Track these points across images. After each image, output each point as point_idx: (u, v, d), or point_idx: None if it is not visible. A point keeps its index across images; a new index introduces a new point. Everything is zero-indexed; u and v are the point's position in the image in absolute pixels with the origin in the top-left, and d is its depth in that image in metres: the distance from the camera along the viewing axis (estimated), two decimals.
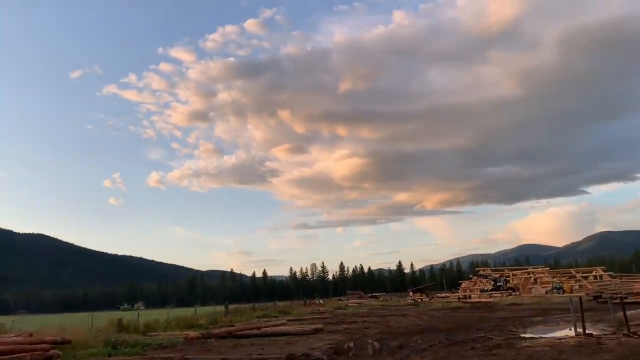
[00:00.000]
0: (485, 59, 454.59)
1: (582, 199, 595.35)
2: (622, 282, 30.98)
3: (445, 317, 25.16)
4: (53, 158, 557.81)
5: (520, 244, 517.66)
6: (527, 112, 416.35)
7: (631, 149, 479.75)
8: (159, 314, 33.73)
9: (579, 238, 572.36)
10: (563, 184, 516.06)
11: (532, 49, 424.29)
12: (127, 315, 30.17)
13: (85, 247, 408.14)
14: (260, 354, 12.43)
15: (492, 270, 77.04)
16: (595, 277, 60.95)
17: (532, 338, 11.87)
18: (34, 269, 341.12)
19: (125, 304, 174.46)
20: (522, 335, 14.14)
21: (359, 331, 18.22)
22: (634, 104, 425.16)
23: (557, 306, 31.29)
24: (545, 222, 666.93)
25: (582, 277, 60.74)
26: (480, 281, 73.66)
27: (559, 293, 52.76)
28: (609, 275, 61.08)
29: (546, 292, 55.36)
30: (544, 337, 11.62)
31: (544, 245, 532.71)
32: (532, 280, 62.99)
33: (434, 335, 15.01)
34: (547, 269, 70.85)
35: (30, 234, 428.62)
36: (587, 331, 12.18)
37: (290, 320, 27.86)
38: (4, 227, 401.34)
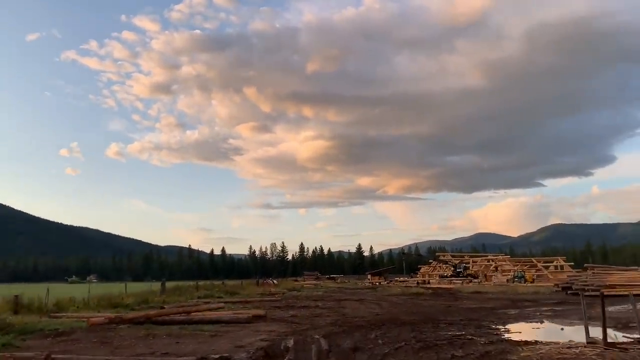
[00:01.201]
0: (452, 48, 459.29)
1: (538, 191, 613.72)
2: (594, 273, 29.16)
3: (407, 305, 22.48)
4: (7, 123, 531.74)
5: (477, 232, 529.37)
6: (490, 103, 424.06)
7: (588, 145, 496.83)
8: (110, 288, 30.06)
9: (533, 229, 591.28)
10: (521, 175, 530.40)
11: (499, 41, 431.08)
12: (73, 290, 26.40)
13: (39, 216, 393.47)
14: (165, 353, 9.16)
15: (452, 256, 75.84)
16: (556, 267, 60.31)
17: (528, 344, 9.02)
18: None
19: (74, 277, 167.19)
20: (506, 335, 11.37)
21: (306, 320, 15.18)
22: (594, 101, 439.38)
23: (524, 296, 29.28)
24: (502, 212, 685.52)
25: (543, 266, 59.93)
26: (440, 266, 72.42)
27: (520, 282, 51.53)
28: (569, 265, 60.56)
29: (507, 280, 54.10)
30: (544, 344, 8.75)
31: (500, 235, 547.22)
32: (492, 267, 61.86)
33: (397, 331, 12.10)
34: (508, 257, 70.05)
35: None
36: (591, 335, 9.42)
37: (234, 303, 24.63)
38: None
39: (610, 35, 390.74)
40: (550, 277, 56.33)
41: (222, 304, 19.04)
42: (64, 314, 16.96)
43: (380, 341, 10.20)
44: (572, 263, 63.09)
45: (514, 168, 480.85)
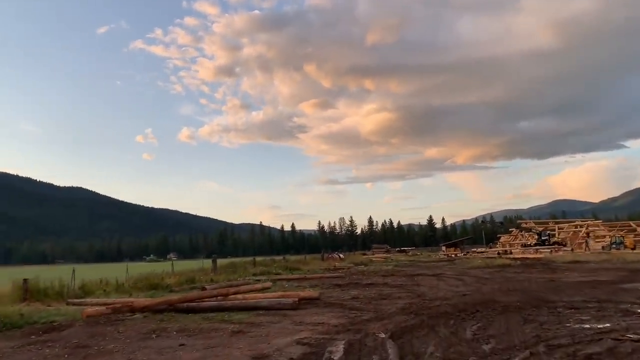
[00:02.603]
0: (518, 7, 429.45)
1: (620, 153, 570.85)
2: None
3: (498, 280, 18.25)
4: (85, 114, 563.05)
5: (554, 199, 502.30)
6: (562, 64, 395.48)
7: None
8: (185, 265, 28.54)
9: (617, 194, 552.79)
10: (600, 138, 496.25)
11: None
12: (154, 267, 25.05)
13: (122, 199, 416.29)
14: None
15: (534, 224, 69.16)
16: None
17: None
18: (72, 221, 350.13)
19: (152, 255, 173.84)
20: None
21: (370, 305, 11.53)
22: None
23: (632, 265, 24.07)
24: (581, 178, 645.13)
25: None
26: (522, 235, 66.22)
27: (619, 249, 45.14)
28: None
29: (602, 247, 47.73)
30: None
31: (580, 201, 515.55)
32: (583, 234, 55.17)
33: (501, 322, 8.19)
34: (600, 221, 62.61)
35: (69, 187, 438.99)
36: None
37: (289, 280, 21.54)
38: (44, 181, 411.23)
39: None
40: None
41: (269, 284, 15.78)
42: (87, 300, 14.44)
43: (484, 345, 6.35)
44: None
45: (591, 131, 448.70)
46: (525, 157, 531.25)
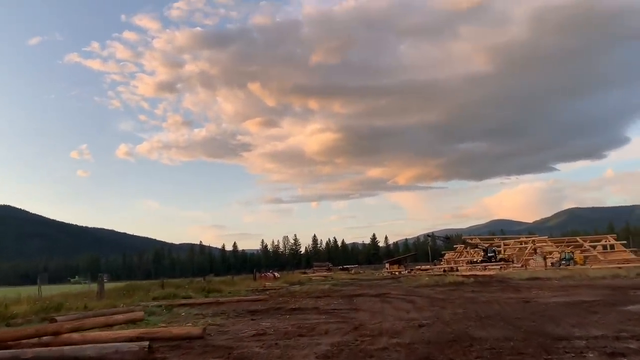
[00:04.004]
0: (456, 34, 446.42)
1: (552, 175, 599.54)
2: None
3: (457, 302, 14.26)
4: (16, 128, 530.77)
5: (491, 219, 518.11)
6: (497, 88, 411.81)
7: (600, 127, 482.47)
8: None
9: (549, 214, 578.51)
10: (533, 160, 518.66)
11: (503, 26, 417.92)
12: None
13: (53, 218, 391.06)
14: None
15: (480, 239, 67.16)
16: (604, 247, 51.58)
17: None
18: None
19: (77, 277, 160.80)
20: None
21: (274, 351, 7.03)
22: (604, 82, 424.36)
23: (613, 282, 21.02)
24: (516, 198, 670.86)
25: (590, 246, 51.20)
26: (468, 251, 63.80)
27: (568, 264, 43.04)
28: (621, 244, 51.80)
29: (552, 264, 45.59)
30: None
31: (515, 221, 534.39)
32: (530, 250, 53.14)
33: None
34: (546, 237, 61.25)
35: None
36: None
37: (194, 306, 16.70)
38: None
39: (615, 15, 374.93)
40: (601, 258, 47.73)
41: (140, 314, 10.94)
42: None
43: None
44: (625, 242, 54.07)
45: (525, 153, 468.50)
46: (463, 178, 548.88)
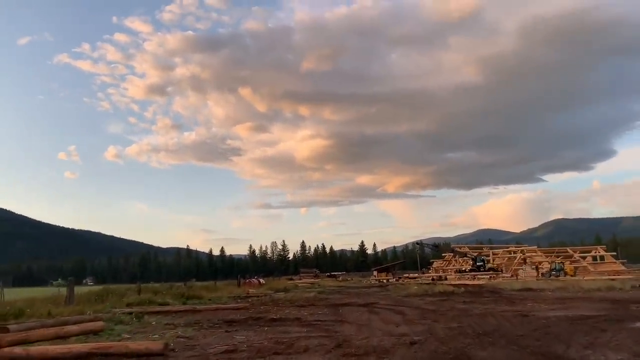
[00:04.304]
0: (446, 44, 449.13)
1: (539, 186, 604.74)
2: None
3: (449, 314, 13.29)
4: (3, 128, 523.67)
5: (479, 228, 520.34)
6: (486, 99, 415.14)
7: (587, 140, 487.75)
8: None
9: (536, 224, 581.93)
10: (520, 171, 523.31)
11: (493, 37, 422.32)
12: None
13: (41, 220, 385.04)
14: None
15: (468, 248, 66.43)
16: (594, 258, 51.09)
17: None
18: None
19: (60, 279, 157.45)
20: None
21: None
22: (592, 95, 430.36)
23: (611, 295, 20.18)
24: (504, 208, 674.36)
25: (580, 257, 50.64)
26: (456, 260, 63.10)
27: (558, 275, 42.38)
28: (611, 255, 51.34)
29: (542, 274, 44.92)
30: None
31: (502, 231, 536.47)
32: (519, 260, 52.48)
33: None
34: (535, 247, 60.64)
35: None
36: None
37: (171, 313, 15.58)
38: None
39: (604, 28, 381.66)
40: (591, 269, 47.18)
41: (100, 324, 9.84)
42: None
43: None
44: (614, 253, 53.57)
45: (513, 164, 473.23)
46: (451, 187, 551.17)
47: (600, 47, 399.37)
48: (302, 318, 13.32)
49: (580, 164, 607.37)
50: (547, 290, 23.88)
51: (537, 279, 36.47)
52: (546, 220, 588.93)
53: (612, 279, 30.80)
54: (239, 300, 22.21)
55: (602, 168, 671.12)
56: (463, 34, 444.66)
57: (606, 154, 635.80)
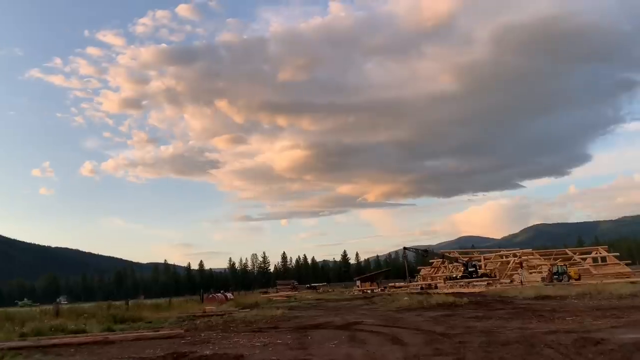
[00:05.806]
0: (421, 53, 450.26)
1: (518, 192, 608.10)
2: None
3: (470, 342, 8.66)
4: None
5: (460, 235, 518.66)
6: (462, 107, 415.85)
7: (563, 145, 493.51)
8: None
9: (516, 230, 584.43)
10: (498, 177, 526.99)
11: (467, 45, 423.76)
12: None
13: (14, 238, 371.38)
14: None
15: (459, 254, 62.20)
16: (595, 259, 47.22)
17: None
18: None
19: (26, 299, 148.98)
20: None
21: None
22: (566, 101, 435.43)
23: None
24: (484, 215, 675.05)
25: (580, 258, 46.72)
26: (446, 267, 58.77)
27: (561, 280, 38.26)
28: (613, 256, 47.52)
29: (542, 279, 40.79)
30: None
31: (483, 237, 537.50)
32: (515, 263, 48.31)
33: None
34: (531, 250, 56.59)
35: None
36: None
37: (65, 347, 10.61)
38: None
39: (577, 35, 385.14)
40: (594, 272, 43.21)
41: None
42: None
43: None
44: (617, 254, 49.66)
45: (491, 170, 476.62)
46: (431, 195, 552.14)
47: (574, 53, 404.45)
48: (244, 356, 8.50)
49: (557, 170, 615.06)
50: (569, 297, 19.45)
51: (545, 284, 32.16)
52: (526, 226, 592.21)
53: (632, 282, 26.59)
54: (183, 323, 17.22)
55: (578, 173, 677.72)
56: (438, 42, 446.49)
57: (581, 159, 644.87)
